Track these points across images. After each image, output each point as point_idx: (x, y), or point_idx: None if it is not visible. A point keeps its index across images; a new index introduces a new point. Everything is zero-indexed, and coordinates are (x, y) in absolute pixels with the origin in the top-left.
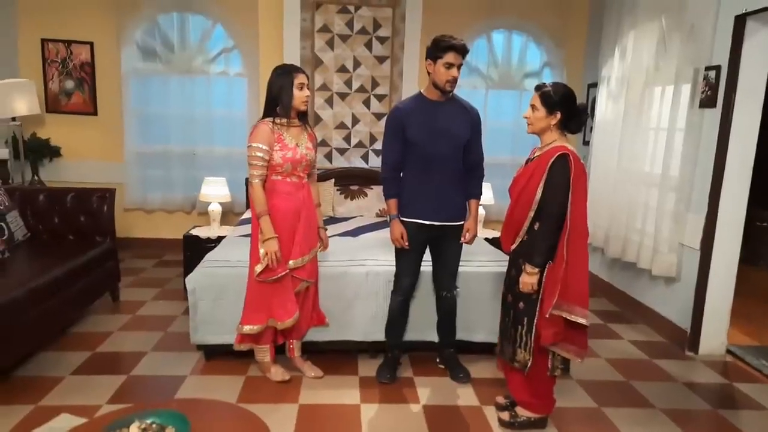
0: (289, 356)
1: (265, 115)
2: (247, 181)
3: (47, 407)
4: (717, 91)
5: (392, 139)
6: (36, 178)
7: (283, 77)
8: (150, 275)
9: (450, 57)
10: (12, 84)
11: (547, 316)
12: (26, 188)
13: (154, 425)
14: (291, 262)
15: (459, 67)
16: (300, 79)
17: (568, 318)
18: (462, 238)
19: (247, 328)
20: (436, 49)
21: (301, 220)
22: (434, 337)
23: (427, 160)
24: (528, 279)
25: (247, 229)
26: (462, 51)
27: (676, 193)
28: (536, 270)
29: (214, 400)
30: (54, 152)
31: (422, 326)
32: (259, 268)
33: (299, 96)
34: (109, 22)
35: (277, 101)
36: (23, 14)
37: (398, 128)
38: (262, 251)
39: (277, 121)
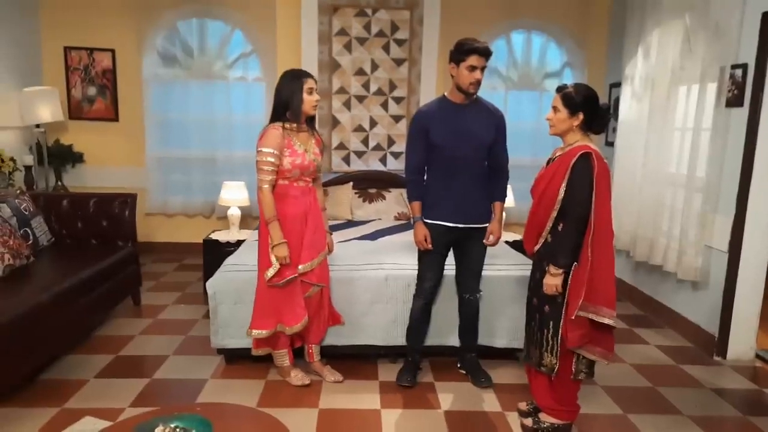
0: (308, 361)
1: (273, 119)
2: None
3: (71, 410)
4: (744, 89)
5: (416, 141)
6: (59, 183)
7: (292, 82)
8: (170, 279)
9: (473, 60)
10: (36, 92)
11: (572, 317)
12: (50, 194)
13: (177, 429)
14: (300, 266)
15: (482, 69)
16: (309, 83)
17: (595, 320)
18: (485, 241)
19: (255, 333)
20: (459, 52)
21: (308, 224)
22: (455, 342)
23: (451, 162)
24: (551, 281)
25: None
26: (485, 53)
27: (703, 194)
28: (560, 271)
29: (236, 405)
30: (77, 158)
31: (443, 330)
32: (271, 272)
33: (309, 100)
34: (130, 30)
35: (287, 106)
36: (46, 23)
37: (422, 131)
38: (273, 257)
39: (287, 126)
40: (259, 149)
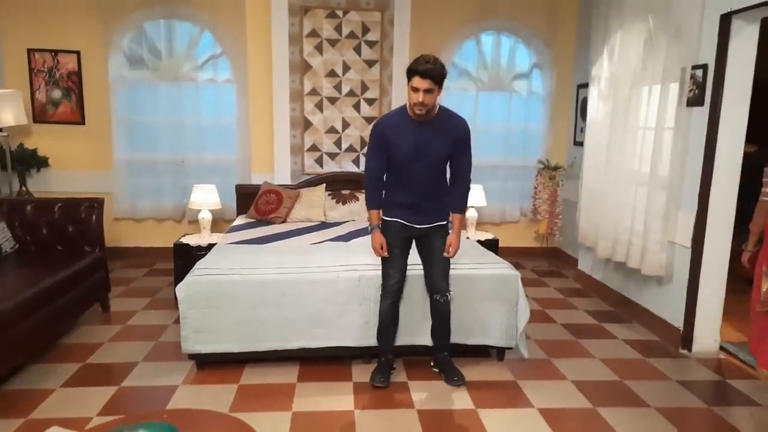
0: None
1: None
2: (258, 188)
3: (37, 420)
4: (704, 89)
5: (375, 151)
6: (24, 188)
7: None
8: (140, 285)
9: (415, 81)
10: None
11: None
12: (14, 199)
13: None
14: None
15: (427, 92)
16: None
17: None
18: (445, 254)
19: None
20: (407, 71)
21: None
22: (428, 341)
23: (409, 175)
24: None
25: (237, 236)
26: (425, 75)
27: (666, 192)
28: None
29: (205, 410)
30: (41, 163)
31: (416, 330)
32: None
33: None
34: (95, 31)
35: None
36: (8, 24)
37: (381, 142)
38: None
39: None
40: None
